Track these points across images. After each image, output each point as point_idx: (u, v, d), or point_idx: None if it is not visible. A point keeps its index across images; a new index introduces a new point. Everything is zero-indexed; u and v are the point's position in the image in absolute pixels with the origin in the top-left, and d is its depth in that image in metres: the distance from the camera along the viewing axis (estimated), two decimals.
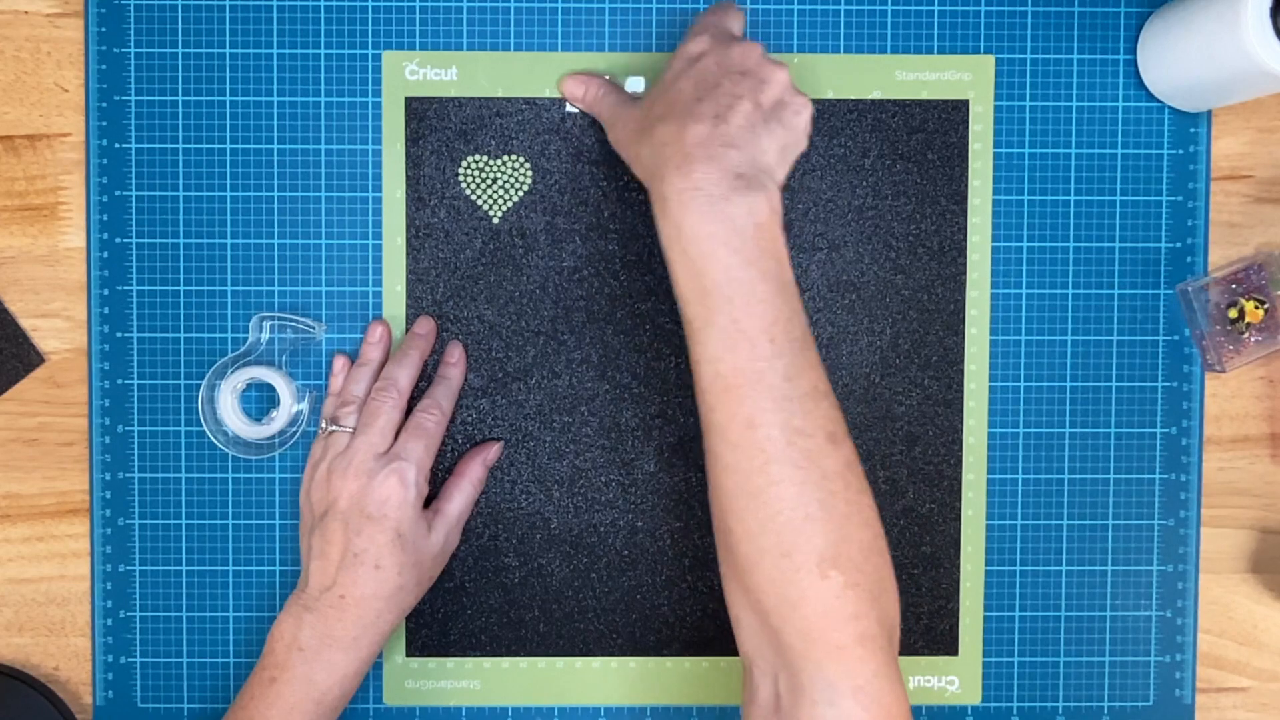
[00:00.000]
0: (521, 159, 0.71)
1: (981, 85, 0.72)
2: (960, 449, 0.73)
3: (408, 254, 0.71)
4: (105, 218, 0.71)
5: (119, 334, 0.71)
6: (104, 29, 0.70)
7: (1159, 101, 0.72)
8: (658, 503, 0.72)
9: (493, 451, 0.71)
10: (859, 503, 0.57)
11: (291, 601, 0.66)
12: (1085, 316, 0.73)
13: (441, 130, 0.71)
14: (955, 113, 0.72)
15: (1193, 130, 0.72)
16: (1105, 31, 0.72)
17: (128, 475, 0.71)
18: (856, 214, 0.72)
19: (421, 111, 0.71)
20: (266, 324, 0.71)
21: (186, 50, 0.71)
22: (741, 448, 0.57)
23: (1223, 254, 0.73)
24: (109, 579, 0.72)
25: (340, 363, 0.71)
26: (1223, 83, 0.66)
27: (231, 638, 0.72)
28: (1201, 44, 0.65)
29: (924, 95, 0.72)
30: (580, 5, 0.71)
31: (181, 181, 0.71)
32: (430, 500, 0.69)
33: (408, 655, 0.72)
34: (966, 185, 0.72)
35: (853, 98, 0.72)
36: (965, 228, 0.72)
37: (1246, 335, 0.71)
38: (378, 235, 0.71)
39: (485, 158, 0.71)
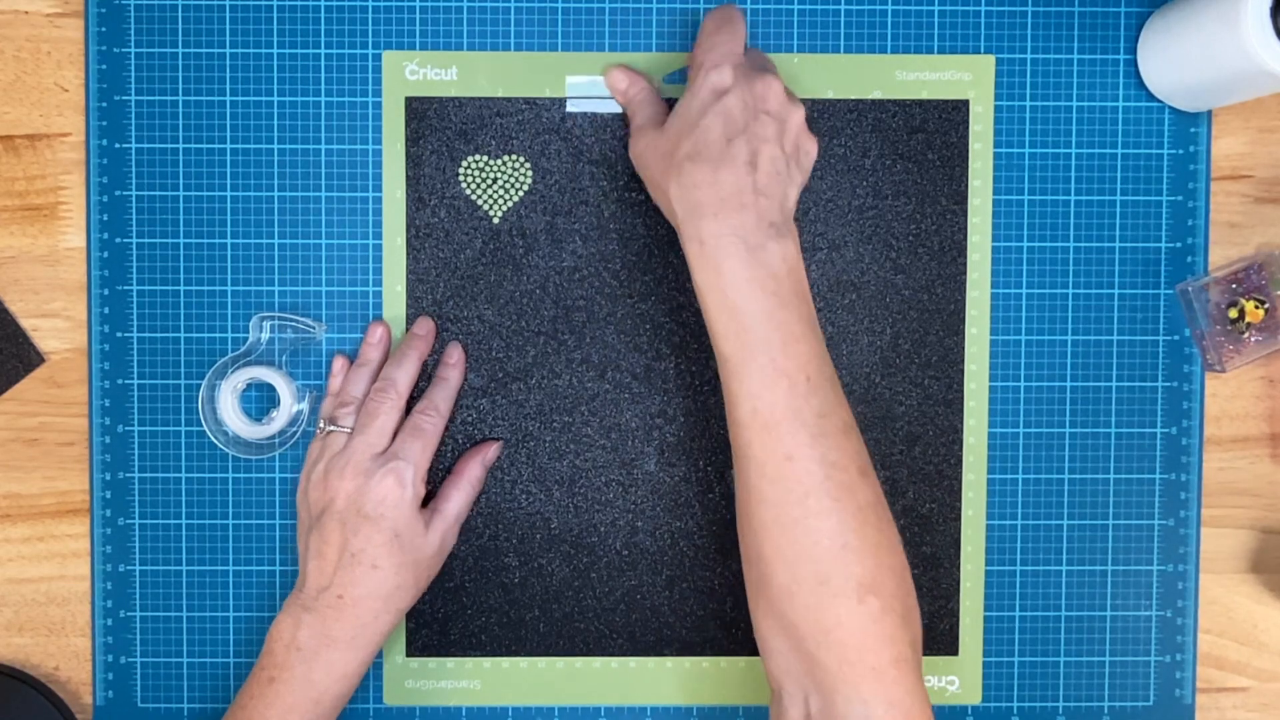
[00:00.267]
0: (521, 159, 0.71)
1: (982, 85, 0.72)
2: (960, 449, 0.73)
3: (408, 254, 0.71)
4: (105, 218, 0.71)
5: (119, 334, 0.71)
6: (104, 29, 0.70)
7: (1159, 101, 0.72)
8: (658, 503, 0.72)
9: (491, 451, 0.71)
10: (889, 531, 0.60)
11: (289, 602, 0.66)
12: (1085, 316, 0.73)
13: (441, 130, 0.71)
14: (955, 113, 0.72)
15: (1193, 130, 0.72)
16: (1105, 31, 0.72)
17: (128, 475, 0.71)
18: (856, 214, 0.72)
19: (421, 111, 0.71)
20: (266, 324, 0.71)
21: (186, 50, 0.71)
22: (780, 481, 0.59)
23: (1223, 254, 0.73)
24: (109, 579, 0.72)
25: (339, 363, 0.71)
26: (1223, 83, 0.66)
27: (231, 638, 0.72)
28: (1201, 44, 0.65)
29: (924, 95, 0.72)
30: (580, 5, 0.71)
31: (181, 181, 0.71)
32: (428, 500, 0.69)
33: (408, 655, 0.72)
34: (966, 185, 0.72)
35: (853, 98, 0.72)
36: (965, 228, 0.72)
37: (1246, 335, 0.71)
38: (378, 235, 0.71)
39: (485, 158, 0.71)
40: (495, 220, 0.71)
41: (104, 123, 0.71)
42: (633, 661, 0.73)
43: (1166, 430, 0.73)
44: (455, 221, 0.71)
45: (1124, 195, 0.72)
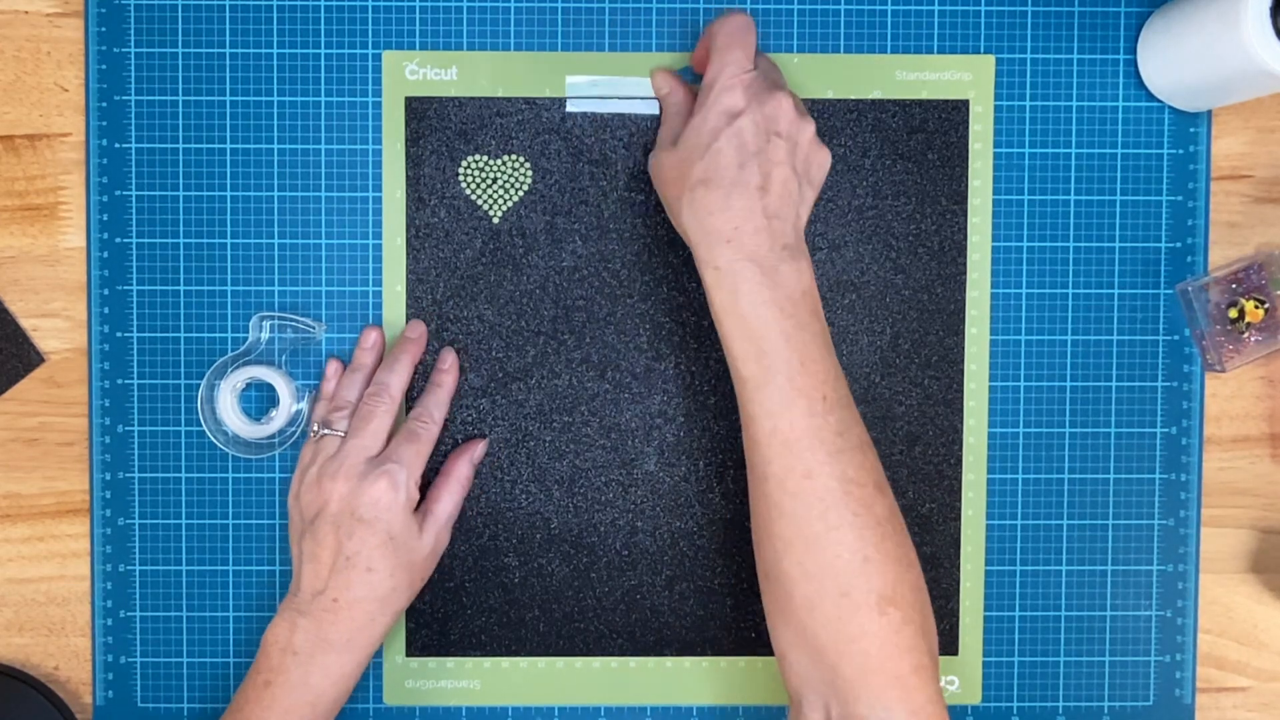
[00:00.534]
0: (521, 159, 0.71)
1: (982, 85, 0.72)
2: (960, 449, 0.73)
3: (408, 254, 0.71)
4: (105, 218, 0.71)
5: (119, 334, 0.71)
6: (104, 29, 0.70)
7: (1159, 101, 0.72)
8: (658, 503, 0.72)
9: (479, 450, 0.71)
10: (905, 544, 0.62)
11: (284, 605, 0.66)
12: (1085, 316, 0.73)
13: (441, 130, 0.71)
14: (955, 113, 0.72)
15: (1193, 130, 0.72)
16: (1105, 31, 0.72)
17: (128, 475, 0.71)
18: (856, 214, 0.72)
19: (421, 111, 0.71)
20: (266, 324, 0.71)
21: (186, 50, 0.71)
22: (800, 497, 0.60)
23: (1223, 254, 0.73)
24: (109, 579, 0.72)
25: (333, 367, 0.71)
26: (1223, 83, 0.66)
27: (231, 638, 0.72)
28: (1201, 44, 0.65)
29: (924, 95, 0.72)
30: (580, 5, 0.71)
31: (181, 181, 0.71)
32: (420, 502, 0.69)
33: (407, 655, 0.72)
34: (966, 185, 0.72)
35: (853, 98, 0.72)
36: (965, 228, 0.72)
37: (1246, 335, 0.71)
38: (378, 235, 0.71)
39: (485, 158, 0.71)
40: (495, 220, 0.71)
41: (104, 123, 0.71)
42: (633, 661, 0.73)
43: (1166, 430, 0.73)
44: (455, 221, 0.71)
45: (1124, 195, 0.72)
